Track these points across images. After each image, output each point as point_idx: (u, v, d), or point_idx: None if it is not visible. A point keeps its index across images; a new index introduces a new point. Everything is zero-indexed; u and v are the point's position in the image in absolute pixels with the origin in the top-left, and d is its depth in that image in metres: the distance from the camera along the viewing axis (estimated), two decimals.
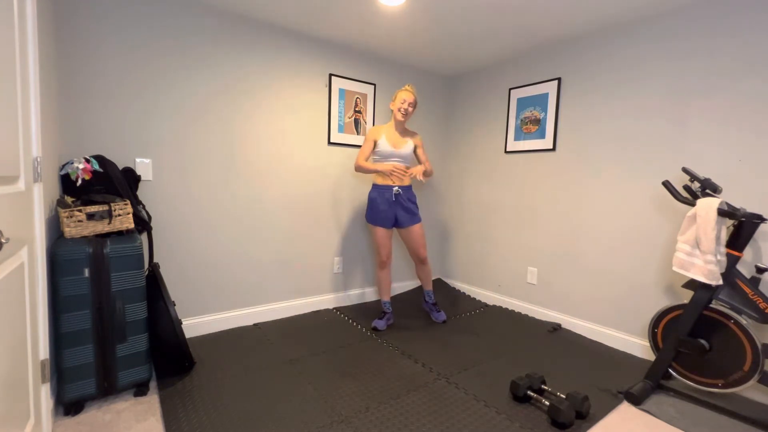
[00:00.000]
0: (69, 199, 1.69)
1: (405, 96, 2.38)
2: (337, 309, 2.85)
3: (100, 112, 1.96)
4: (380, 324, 2.49)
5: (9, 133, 1.01)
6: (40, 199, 1.28)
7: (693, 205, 1.72)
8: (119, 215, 1.65)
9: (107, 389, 1.59)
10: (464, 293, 3.33)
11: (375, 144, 2.45)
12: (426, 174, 2.46)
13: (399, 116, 2.39)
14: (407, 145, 2.45)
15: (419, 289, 3.34)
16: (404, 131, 2.49)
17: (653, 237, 2.16)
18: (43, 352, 1.33)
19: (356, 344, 2.27)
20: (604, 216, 2.38)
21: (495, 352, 2.22)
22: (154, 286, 1.83)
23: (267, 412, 1.60)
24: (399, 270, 3.31)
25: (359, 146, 2.92)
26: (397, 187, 2.43)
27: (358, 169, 2.42)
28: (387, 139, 2.42)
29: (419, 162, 2.53)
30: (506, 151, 2.95)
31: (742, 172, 1.85)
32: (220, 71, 2.28)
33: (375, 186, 2.48)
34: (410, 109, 2.40)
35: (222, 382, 1.81)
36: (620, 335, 2.31)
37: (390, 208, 2.44)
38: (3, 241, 0.86)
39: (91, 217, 1.58)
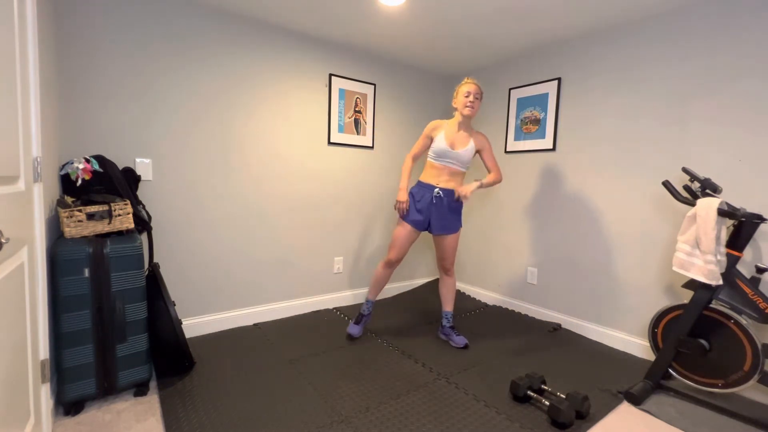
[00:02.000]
0: (69, 199, 1.69)
1: (467, 88, 2.10)
2: (337, 309, 2.85)
3: (100, 112, 1.96)
4: (355, 330, 2.33)
5: (9, 133, 1.01)
6: (40, 199, 1.28)
7: (693, 205, 1.72)
8: (119, 215, 1.65)
9: (107, 389, 1.59)
10: (464, 293, 3.32)
11: (431, 140, 2.20)
12: (486, 186, 2.15)
13: (466, 111, 2.10)
14: (468, 147, 2.14)
15: (420, 289, 3.34)
16: (469, 129, 2.19)
17: (653, 237, 2.16)
18: (43, 352, 1.33)
19: (356, 344, 2.27)
20: (604, 216, 2.38)
21: (495, 352, 2.22)
22: (154, 286, 1.83)
23: (267, 412, 1.60)
24: (401, 268, 3.31)
25: (359, 146, 2.92)
26: (438, 189, 2.17)
27: (404, 165, 2.27)
28: (445, 136, 2.14)
29: (486, 168, 2.23)
30: (506, 151, 2.95)
31: (742, 172, 1.85)
32: (220, 71, 2.28)
33: (418, 182, 2.26)
34: (477, 101, 2.11)
35: (222, 382, 1.81)
36: (620, 335, 2.31)
37: (425, 210, 2.19)
38: (3, 241, 0.86)
39: (91, 217, 1.58)
